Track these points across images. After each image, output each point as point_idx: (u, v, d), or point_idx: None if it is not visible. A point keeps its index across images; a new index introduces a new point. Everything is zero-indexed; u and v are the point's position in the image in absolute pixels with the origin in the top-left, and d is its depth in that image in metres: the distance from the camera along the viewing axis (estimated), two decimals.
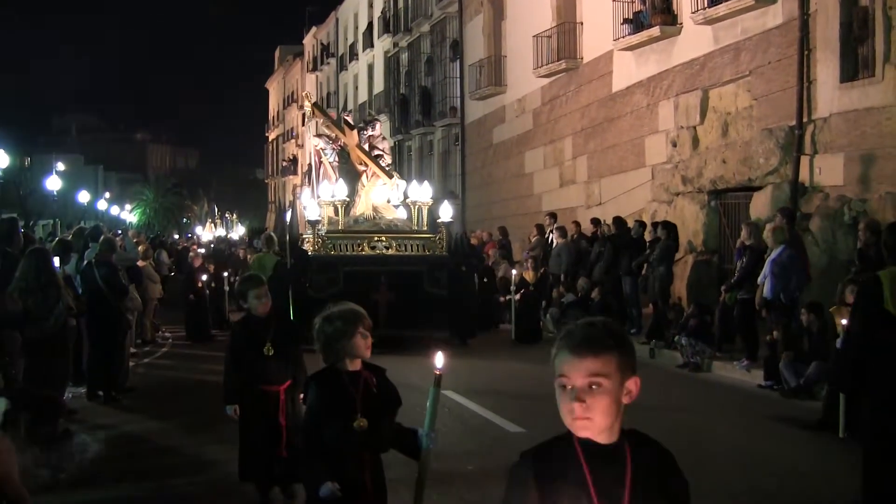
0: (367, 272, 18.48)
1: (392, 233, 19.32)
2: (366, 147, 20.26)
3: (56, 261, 12.10)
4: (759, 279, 14.65)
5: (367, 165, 19.97)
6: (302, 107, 69.02)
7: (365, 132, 20.80)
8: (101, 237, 14.86)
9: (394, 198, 20.39)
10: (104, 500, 8.74)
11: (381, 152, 20.66)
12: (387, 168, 20.53)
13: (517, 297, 20.39)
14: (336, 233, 19.02)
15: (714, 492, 8.20)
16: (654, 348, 17.17)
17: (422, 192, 19.63)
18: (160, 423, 12.03)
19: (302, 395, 6.97)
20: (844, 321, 9.61)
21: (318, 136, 21.79)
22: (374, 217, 19.83)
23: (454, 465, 8.88)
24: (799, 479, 9.09)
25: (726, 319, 16.13)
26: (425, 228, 19.44)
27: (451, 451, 9.40)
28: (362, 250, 18.92)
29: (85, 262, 13.95)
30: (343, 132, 20.29)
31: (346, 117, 22.56)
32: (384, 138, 22.14)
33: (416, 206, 19.52)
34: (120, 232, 30.13)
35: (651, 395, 13.66)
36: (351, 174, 20.06)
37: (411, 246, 19.21)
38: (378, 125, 21.70)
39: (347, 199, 19.36)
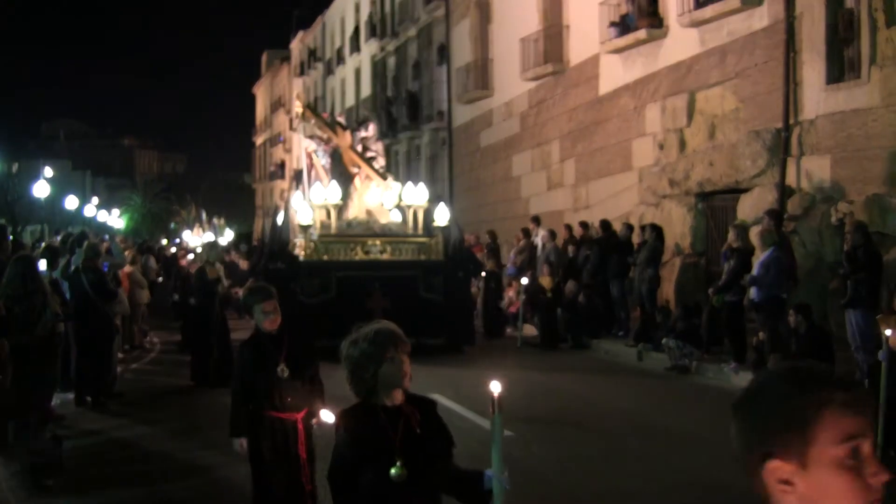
0: (360, 277, 18.02)
1: (386, 237, 18.95)
2: (359, 149, 19.87)
3: (43, 265, 12.08)
4: (748, 280, 14.66)
5: (360, 167, 19.63)
6: (289, 111, 69.03)
7: (358, 133, 20.37)
8: (85, 243, 14.80)
9: (388, 201, 19.88)
10: None
11: (374, 154, 20.24)
12: (380, 170, 20.17)
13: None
14: (328, 237, 18.60)
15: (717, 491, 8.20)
16: (642, 351, 17.20)
17: (417, 194, 19.13)
18: (149, 428, 12.03)
19: (315, 420, 6.52)
20: (889, 332, 9.46)
21: (310, 137, 21.15)
22: (368, 220, 19.46)
23: None
24: None
25: (714, 322, 16.17)
26: (420, 232, 19.05)
27: None
28: (356, 255, 18.52)
29: (72, 267, 13.93)
30: (336, 133, 19.87)
31: (338, 118, 22.08)
32: (378, 139, 21.57)
33: (412, 210, 19.06)
34: (107, 237, 30.00)
35: (640, 398, 13.68)
36: (344, 176, 19.55)
37: (406, 250, 18.85)
38: (372, 126, 21.10)
39: (340, 203, 18.87)
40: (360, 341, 4.05)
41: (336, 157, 19.90)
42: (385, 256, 18.62)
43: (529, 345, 19.28)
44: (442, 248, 18.85)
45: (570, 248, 21.64)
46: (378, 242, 18.70)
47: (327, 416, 5.65)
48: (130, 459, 10.25)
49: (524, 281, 20.18)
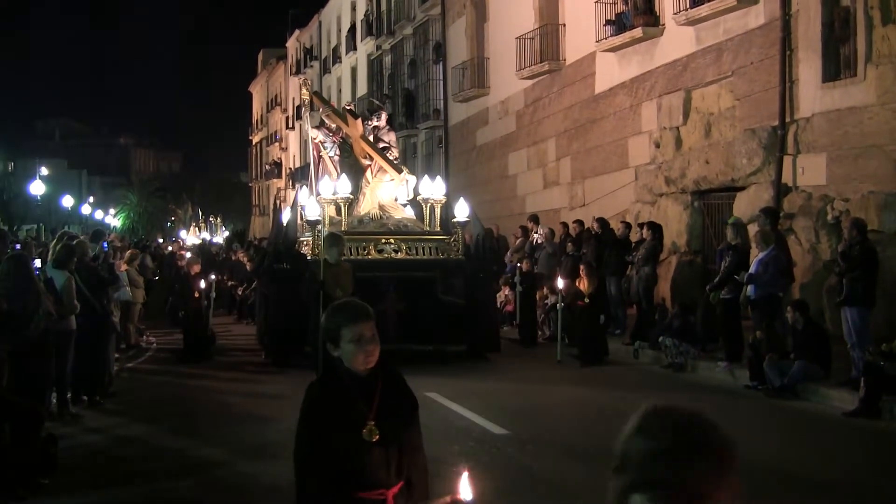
0: (373, 279, 16.35)
1: (401, 234, 17.59)
2: (370, 139, 18.56)
3: (37, 263, 12.06)
4: (745, 278, 14.63)
5: (372, 159, 18.24)
6: (286, 110, 68.75)
7: (370, 122, 19.00)
8: (74, 241, 14.74)
9: (402, 195, 18.74)
10: None
11: (387, 144, 18.82)
12: (394, 162, 18.76)
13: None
14: None
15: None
16: (638, 349, 17.17)
17: (434, 188, 17.83)
18: (145, 427, 12.00)
19: None
20: None
21: (317, 127, 19.57)
22: (381, 217, 18.08)
23: (439, 468, 8.84)
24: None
25: (709, 319, 16.14)
26: (438, 229, 17.71)
27: (436, 454, 9.38)
28: (368, 254, 17.15)
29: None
30: (346, 122, 18.50)
31: (348, 107, 20.75)
32: (390, 129, 19.74)
33: (428, 204, 17.76)
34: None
35: (635, 396, 13.65)
36: (354, 169, 18.17)
37: (423, 249, 17.49)
38: (384, 115, 19.56)
39: (351, 197, 17.45)
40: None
41: (346, 149, 18.69)
42: (400, 255, 17.32)
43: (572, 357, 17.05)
44: (462, 246, 17.61)
45: (569, 247, 21.50)
46: (392, 240, 17.38)
47: (466, 490, 3.84)
48: (126, 458, 10.22)
49: (560, 284, 17.41)
